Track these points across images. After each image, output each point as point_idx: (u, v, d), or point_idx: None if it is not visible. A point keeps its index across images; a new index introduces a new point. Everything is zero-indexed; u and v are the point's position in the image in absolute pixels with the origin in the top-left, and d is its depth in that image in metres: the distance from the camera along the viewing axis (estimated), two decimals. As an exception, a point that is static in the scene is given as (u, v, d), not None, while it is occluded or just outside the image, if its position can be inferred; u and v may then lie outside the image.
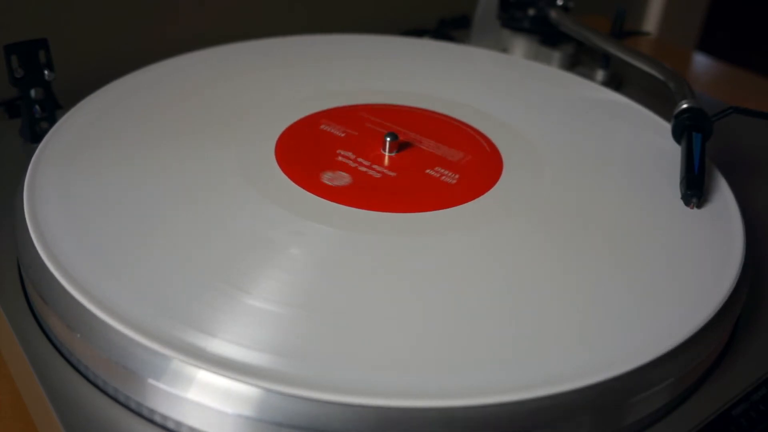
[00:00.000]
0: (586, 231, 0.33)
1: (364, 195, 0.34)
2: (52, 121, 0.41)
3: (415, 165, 0.37)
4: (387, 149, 0.38)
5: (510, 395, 0.25)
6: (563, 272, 0.31)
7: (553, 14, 0.55)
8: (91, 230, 0.31)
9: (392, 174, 0.36)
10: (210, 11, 0.60)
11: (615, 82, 0.56)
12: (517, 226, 0.33)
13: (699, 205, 0.35)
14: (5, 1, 0.51)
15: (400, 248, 0.31)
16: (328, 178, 0.35)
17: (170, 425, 0.26)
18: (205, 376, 0.25)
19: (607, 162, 0.39)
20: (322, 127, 0.40)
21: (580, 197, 0.36)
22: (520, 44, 0.57)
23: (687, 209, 0.35)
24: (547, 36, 0.56)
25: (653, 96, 0.51)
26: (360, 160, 0.37)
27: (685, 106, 0.40)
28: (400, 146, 0.38)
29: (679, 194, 0.36)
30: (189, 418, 0.26)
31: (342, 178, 0.35)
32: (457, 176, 0.36)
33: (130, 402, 0.27)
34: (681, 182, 0.36)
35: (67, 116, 0.39)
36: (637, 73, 0.48)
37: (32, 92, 0.41)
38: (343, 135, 0.40)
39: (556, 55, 0.56)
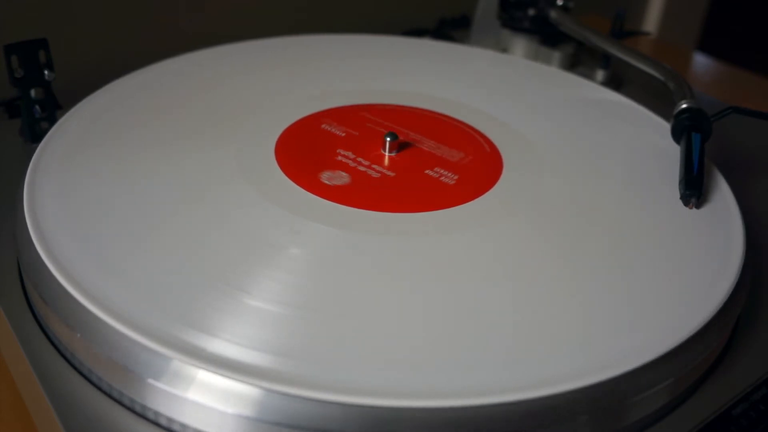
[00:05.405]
0: (586, 231, 0.33)
1: (363, 195, 0.34)
2: (52, 121, 0.41)
3: (414, 165, 0.37)
4: (387, 149, 0.38)
5: (509, 396, 0.25)
6: (563, 272, 0.31)
7: (553, 14, 0.55)
8: (91, 230, 0.31)
9: (391, 174, 0.36)
10: (210, 11, 0.60)
11: (615, 82, 0.56)
12: (517, 227, 0.33)
13: (698, 205, 0.35)
14: (5, 1, 0.51)
15: (399, 248, 0.31)
16: (327, 177, 0.35)
17: (170, 425, 0.26)
18: (205, 376, 0.25)
19: (607, 162, 0.39)
20: (323, 126, 0.40)
21: (580, 197, 0.36)
22: (520, 44, 0.57)
23: (686, 209, 0.35)
24: (547, 36, 0.56)
25: (653, 96, 0.51)
26: (359, 159, 0.37)
27: (684, 106, 0.40)
28: (400, 146, 0.38)
29: (678, 194, 0.36)
30: (189, 418, 0.26)
31: (341, 178, 0.35)
32: (456, 177, 0.36)
33: (124, 399, 0.27)
34: (680, 182, 0.36)
35: (67, 116, 0.39)
36: (637, 73, 0.48)
37: (32, 92, 0.41)
38: (343, 135, 0.40)
39: (556, 55, 0.56)
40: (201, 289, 0.28)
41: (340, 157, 0.38)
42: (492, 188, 0.36)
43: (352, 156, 0.38)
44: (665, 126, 0.42)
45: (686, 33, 0.99)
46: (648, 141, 0.41)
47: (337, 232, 0.32)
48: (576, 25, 0.53)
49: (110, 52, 0.56)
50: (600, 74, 0.55)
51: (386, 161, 0.37)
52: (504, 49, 0.58)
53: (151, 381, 0.26)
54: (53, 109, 0.42)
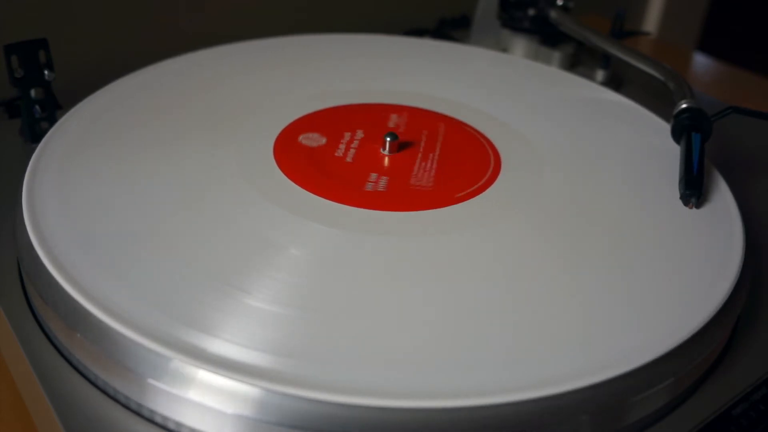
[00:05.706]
0: (586, 231, 0.33)
1: (305, 162, 0.36)
2: (52, 121, 0.41)
3: (374, 166, 0.37)
4: (387, 147, 0.38)
5: (509, 396, 0.25)
6: (562, 272, 0.31)
7: (553, 14, 0.55)
8: (91, 230, 0.31)
9: (349, 161, 0.37)
10: (210, 11, 0.60)
11: (615, 82, 0.56)
12: (517, 227, 0.33)
13: (698, 205, 0.35)
14: (5, 1, 0.51)
15: (399, 248, 0.31)
16: (306, 136, 0.37)
17: (168, 425, 0.26)
18: (205, 376, 0.25)
19: (607, 162, 0.39)
20: (391, 115, 0.42)
21: (580, 197, 0.36)
22: (520, 44, 0.57)
23: (686, 209, 0.35)
24: (547, 36, 0.56)
25: (653, 96, 0.51)
26: (355, 141, 0.39)
27: (684, 106, 0.40)
28: (399, 147, 0.38)
29: (678, 194, 0.36)
30: (189, 419, 0.26)
31: (316, 141, 0.37)
32: (384, 190, 0.35)
33: (123, 399, 0.27)
34: (680, 182, 0.36)
35: (67, 116, 0.39)
36: (637, 73, 0.48)
37: (32, 92, 0.41)
38: (392, 126, 0.41)
39: (556, 55, 0.56)
40: (201, 289, 0.28)
41: (348, 132, 0.39)
42: (491, 188, 0.36)
43: (359, 136, 0.39)
44: (665, 126, 0.42)
45: (686, 33, 0.99)
46: (648, 141, 0.41)
47: (337, 232, 0.32)
48: (576, 25, 0.53)
49: (110, 52, 0.56)
50: (600, 74, 0.55)
51: (367, 153, 0.38)
52: (504, 49, 0.58)
53: (151, 381, 0.26)
54: (53, 109, 0.42)
